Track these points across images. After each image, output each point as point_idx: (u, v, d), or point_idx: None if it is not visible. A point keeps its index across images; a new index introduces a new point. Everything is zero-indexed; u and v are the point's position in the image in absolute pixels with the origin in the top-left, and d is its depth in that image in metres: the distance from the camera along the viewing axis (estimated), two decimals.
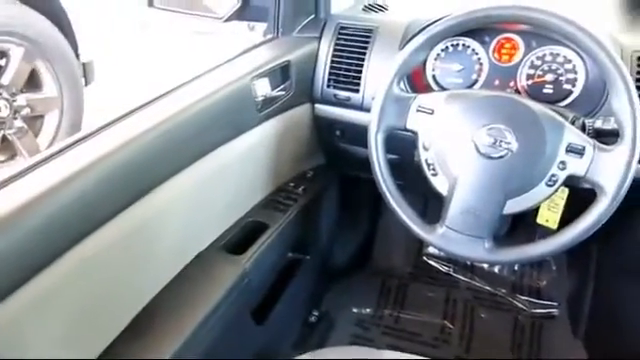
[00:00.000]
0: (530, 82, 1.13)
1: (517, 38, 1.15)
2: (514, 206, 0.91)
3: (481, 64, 1.17)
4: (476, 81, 1.17)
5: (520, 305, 1.66)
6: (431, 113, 0.96)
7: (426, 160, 0.96)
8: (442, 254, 1.82)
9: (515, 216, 1.38)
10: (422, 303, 1.68)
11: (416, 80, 1.20)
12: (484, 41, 1.17)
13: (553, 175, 0.89)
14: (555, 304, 1.63)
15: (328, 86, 1.27)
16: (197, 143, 0.97)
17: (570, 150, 0.88)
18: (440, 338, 1.57)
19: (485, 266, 1.78)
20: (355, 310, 1.65)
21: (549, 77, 1.12)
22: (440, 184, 0.96)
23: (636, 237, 1.08)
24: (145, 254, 0.90)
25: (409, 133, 0.99)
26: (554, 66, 1.11)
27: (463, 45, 1.18)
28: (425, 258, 1.82)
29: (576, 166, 0.88)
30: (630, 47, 1.07)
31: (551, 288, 1.69)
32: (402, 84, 1.17)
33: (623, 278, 1.15)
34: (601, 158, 0.86)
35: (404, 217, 0.97)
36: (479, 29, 1.16)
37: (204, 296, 0.94)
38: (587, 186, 0.90)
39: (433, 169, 0.96)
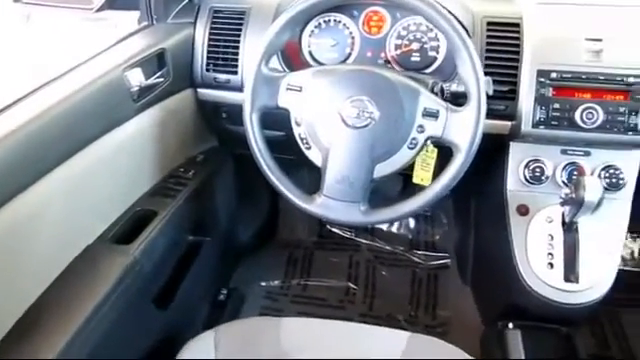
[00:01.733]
0: (399, 52, 1.21)
1: (383, 11, 1.21)
2: (383, 170, 0.98)
3: (353, 38, 1.22)
4: (350, 54, 1.23)
5: (417, 260, 1.79)
6: (299, 90, 1.01)
7: (299, 135, 1.01)
8: None
9: (405, 177, 1.47)
10: (328, 269, 1.77)
11: (293, 58, 1.24)
12: (353, 15, 1.22)
13: (414, 138, 0.96)
14: (447, 255, 1.77)
15: (207, 70, 1.28)
16: (71, 138, 0.96)
17: (426, 114, 0.96)
18: (345, 300, 1.66)
19: (384, 227, 1.89)
20: (264, 284, 1.70)
21: (415, 46, 1.20)
22: (315, 156, 1.01)
23: (497, 187, 1.19)
24: (26, 253, 0.90)
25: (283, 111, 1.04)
26: (418, 35, 1.19)
27: (334, 20, 1.23)
28: (328, 226, 1.90)
29: (433, 128, 0.96)
30: (480, 13, 1.16)
31: (444, 241, 1.83)
32: (278, 63, 1.21)
33: (492, 225, 1.27)
34: (454, 119, 0.95)
35: (284, 190, 1.02)
36: (348, 4, 1.22)
37: (91, 289, 0.94)
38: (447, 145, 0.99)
39: (307, 143, 1.01)
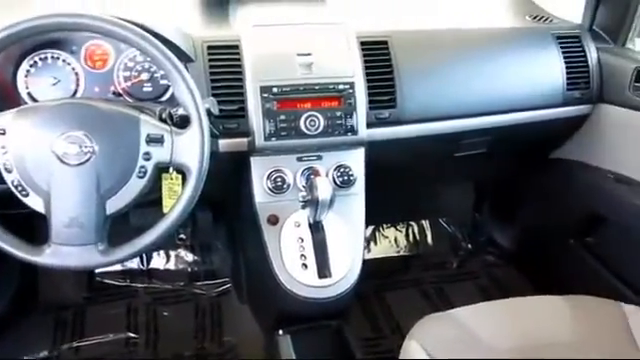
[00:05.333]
0: (129, 84, 1.18)
1: (105, 44, 1.17)
2: (116, 204, 0.94)
3: (77, 74, 1.16)
4: (76, 91, 1.16)
5: (199, 291, 1.76)
6: (3, 134, 0.91)
7: (12, 182, 0.91)
8: (119, 268, 1.80)
9: None
10: (104, 324, 1.64)
11: (10, 101, 1.12)
12: (72, 51, 1.16)
13: (142, 167, 0.94)
14: (228, 280, 1.77)
15: None
16: None
17: (150, 140, 0.94)
18: (126, 352, 1.56)
19: (161, 267, 1.83)
20: (27, 358, 1.50)
21: (145, 76, 1.18)
22: (35, 203, 0.92)
23: (249, 203, 1.22)
24: None
25: None
26: (146, 65, 1.18)
27: (52, 57, 1.15)
28: (99, 278, 1.77)
29: (160, 154, 0.95)
30: (201, 38, 1.19)
31: (223, 267, 1.83)
32: None
33: (251, 240, 1.30)
34: (180, 142, 0.95)
35: (5, 246, 0.91)
36: (65, 38, 1.15)
37: None
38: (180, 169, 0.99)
39: (23, 190, 0.92)
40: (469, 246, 2.06)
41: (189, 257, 1.85)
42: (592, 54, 1.46)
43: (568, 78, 1.43)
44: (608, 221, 1.50)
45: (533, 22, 1.51)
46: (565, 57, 1.43)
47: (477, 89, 1.37)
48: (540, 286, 1.70)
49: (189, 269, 1.84)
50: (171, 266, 1.83)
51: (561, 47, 1.43)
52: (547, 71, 1.42)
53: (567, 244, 1.63)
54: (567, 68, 1.42)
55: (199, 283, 1.78)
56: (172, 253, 1.84)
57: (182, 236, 1.79)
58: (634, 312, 1.10)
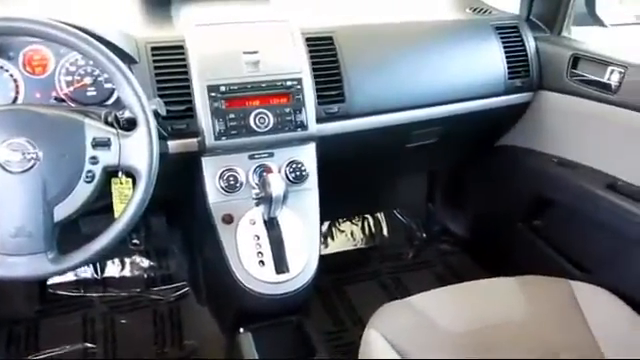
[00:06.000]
0: (72, 88, 1.14)
1: (45, 49, 1.14)
2: (65, 211, 0.92)
3: (16, 80, 1.12)
4: (16, 98, 1.12)
5: (156, 297, 1.73)
6: None
7: None
8: (72, 278, 1.75)
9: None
10: (59, 336, 1.59)
11: None
12: (10, 57, 1.12)
13: (89, 171, 0.92)
14: (186, 283, 1.75)
15: None
16: None
17: (97, 144, 0.92)
18: None
19: (116, 274, 1.79)
20: None
21: (88, 80, 1.15)
22: None
23: (203, 203, 1.21)
24: None
25: None
26: (89, 69, 1.15)
27: None
28: (52, 289, 1.71)
29: (107, 157, 0.93)
30: (144, 39, 1.17)
31: (180, 271, 1.80)
32: None
33: (207, 240, 1.29)
34: (127, 145, 0.93)
35: None
36: (1, 44, 1.11)
37: None
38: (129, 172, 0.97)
39: None
40: (424, 236, 2.11)
41: (144, 263, 1.82)
42: (530, 43, 1.52)
43: (509, 67, 1.48)
44: (554, 204, 1.56)
45: (473, 14, 1.56)
46: (505, 47, 1.48)
47: (422, 80, 1.40)
48: (493, 270, 1.75)
49: (145, 275, 1.80)
50: (126, 273, 1.79)
51: (501, 37, 1.48)
52: (488, 61, 1.47)
53: (516, 228, 1.69)
54: (507, 57, 1.47)
55: (156, 288, 1.75)
56: (127, 260, 1.81)
57: (135, 241, 1.75)
58: (581, 288, 1.15)
